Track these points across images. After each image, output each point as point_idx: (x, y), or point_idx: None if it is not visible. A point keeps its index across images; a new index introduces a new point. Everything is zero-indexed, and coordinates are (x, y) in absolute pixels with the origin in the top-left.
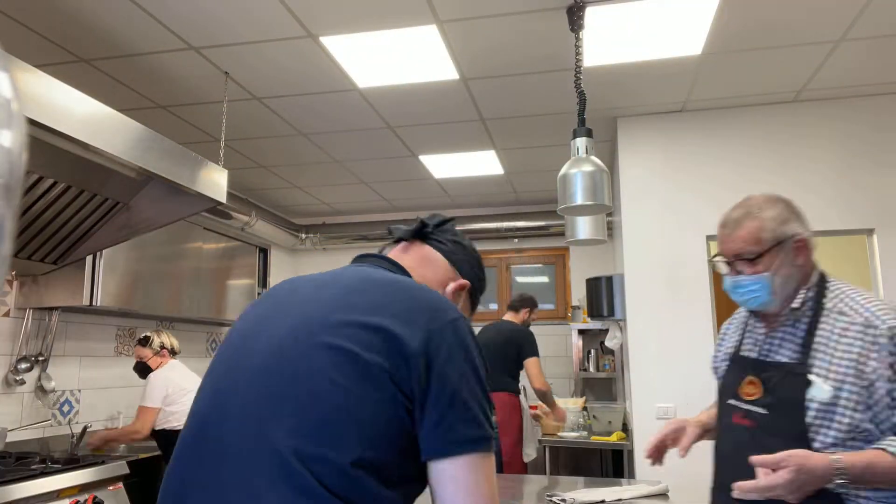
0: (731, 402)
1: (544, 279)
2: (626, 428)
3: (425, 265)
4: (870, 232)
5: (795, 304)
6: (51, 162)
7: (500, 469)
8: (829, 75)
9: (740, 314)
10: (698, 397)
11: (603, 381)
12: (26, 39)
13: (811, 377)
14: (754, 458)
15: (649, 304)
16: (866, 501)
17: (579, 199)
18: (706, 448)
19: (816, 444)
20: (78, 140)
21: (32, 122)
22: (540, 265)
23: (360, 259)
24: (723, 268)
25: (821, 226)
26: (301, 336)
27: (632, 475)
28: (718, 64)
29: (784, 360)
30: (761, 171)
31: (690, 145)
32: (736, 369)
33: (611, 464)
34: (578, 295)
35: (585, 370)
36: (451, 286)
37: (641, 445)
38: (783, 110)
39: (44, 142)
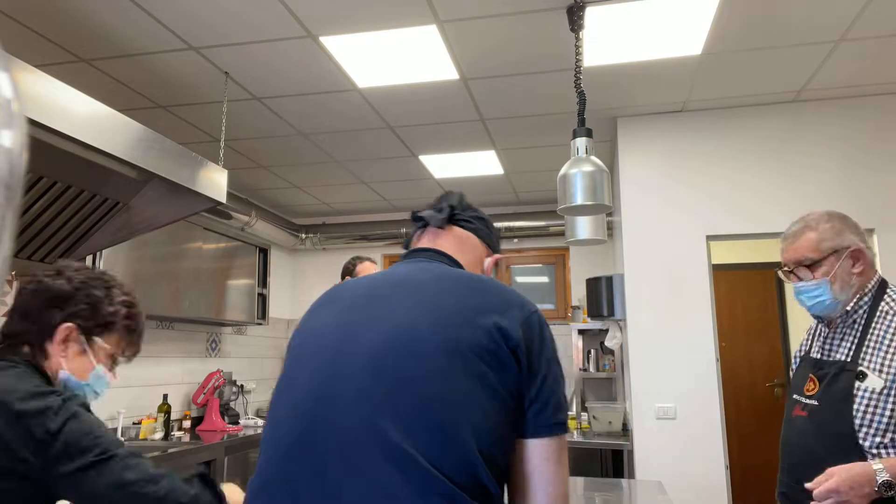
0: (795, 396)
1: (544, 279)
2: (626, 428)
3: (464, 249)
4: (870, 232)
5: (849, 308)
6: (51, 162)
7: None
8: (829, 75)
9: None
10: (698, 397)
11: (603, 381)
12: (26, 39)
13: (865, 370)
14: (808, 485)
15: (649, 304)
16: None
17: (579, 199)
18: (702, 448)
19: (862, 433)
20: (78, 140)
21: (33, 123)
22: (540, 265)
23: (414, 254)
24: (785, 277)
25: None
26: (410, 339)
27: (632, 475)
28: (718, 64)
29: (841, 357)
30: (761, 171)
31: (690, 145)
32: (803, 368)
33: (611, 464)
34: (578, 295)
35: (585, 370)
36: (488, 262)
37: (642, 445)
38: (783, 110)
39: (44, 142)
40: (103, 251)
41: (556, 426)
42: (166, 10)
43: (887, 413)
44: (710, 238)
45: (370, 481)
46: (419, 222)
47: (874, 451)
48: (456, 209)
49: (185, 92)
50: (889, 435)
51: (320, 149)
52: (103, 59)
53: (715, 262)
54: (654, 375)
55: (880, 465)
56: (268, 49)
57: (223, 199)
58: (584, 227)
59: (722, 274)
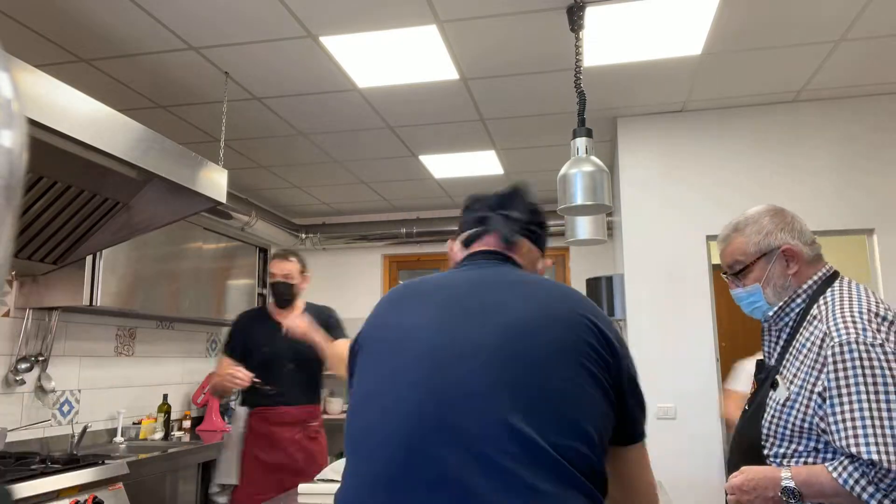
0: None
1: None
2: None
3: (523, 253)
4: (870, 232)
5: (770, 313)
6: (51, 162)
7: None
8: (829, 75)
9: None
10: (698, 397)
11: None
12: (26, 39)
13: (779, 379)
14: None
15: (649, 304)
16: None
17: (579, 199)
18: (702, 448)
19: (769, 443)
20: (78, 140)
21: (33, 123)
22: None
23: (486, 255)
24: (729, 282)
25: (821, 226)
26: (527, 337)
27: None
28: (718, 64)
29: (772, 362)
30: (761, 171)
31: (690, 145)
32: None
33: None
34: None
35: None
36: (541, 265)
37: None
38: (783, 110)
39: (44, 142)
40: (103, 251)
41: (643, 433)
42: (166, 10)
43: (790, 425)
44: (710, 238)
45: (508, 475)
46: (484, 224)
47: (777, 461)
48: (530, 224)
49: (185, 92)
50: (792, 446)
51: (320, 149)
52: (103, 59)
53: (715, 262)
54: (654, 375)
55: (788, 473)
56: (268, 49)
57: (223, 199)
58: (584, 227)
59: None
